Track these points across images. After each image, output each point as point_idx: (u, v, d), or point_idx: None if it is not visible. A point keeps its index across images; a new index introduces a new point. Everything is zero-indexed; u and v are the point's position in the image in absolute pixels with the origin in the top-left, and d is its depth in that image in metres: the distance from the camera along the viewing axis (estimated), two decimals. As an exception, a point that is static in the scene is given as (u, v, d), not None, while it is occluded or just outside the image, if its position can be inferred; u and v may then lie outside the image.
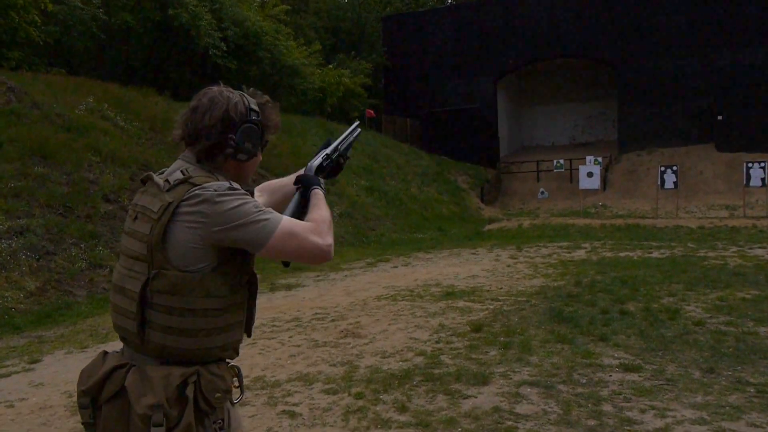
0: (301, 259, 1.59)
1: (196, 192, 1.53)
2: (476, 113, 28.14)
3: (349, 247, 13.73)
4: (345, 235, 14.53)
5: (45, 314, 7.35)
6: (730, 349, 5.04)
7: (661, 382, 4.31)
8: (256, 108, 1.69)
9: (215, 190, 1.53)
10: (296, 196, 1.83)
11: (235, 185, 1.58)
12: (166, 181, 1.59)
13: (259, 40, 21.69)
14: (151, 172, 1.67)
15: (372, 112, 27.69)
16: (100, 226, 9.55)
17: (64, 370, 5.15)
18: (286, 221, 1.57)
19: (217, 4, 20.51)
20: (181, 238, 1.51)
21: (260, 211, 1.55)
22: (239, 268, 1.60)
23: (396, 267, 11.18)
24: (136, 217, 1.62)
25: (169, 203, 1.53)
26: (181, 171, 1.61)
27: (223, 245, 1.54)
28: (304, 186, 1.83)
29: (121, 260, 1.65)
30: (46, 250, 8.44)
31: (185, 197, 1.53)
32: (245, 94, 1.70)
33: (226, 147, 1.63)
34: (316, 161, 1.95)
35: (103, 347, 5.71)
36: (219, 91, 1.67)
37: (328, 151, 1.99)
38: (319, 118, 23.61)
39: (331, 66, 27.22)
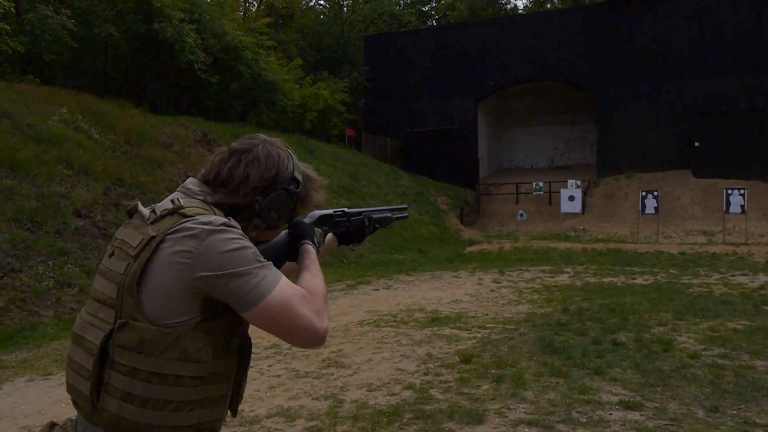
0: (289, 338, 1.26)
1: (185, 225, 1.23)
2: (456, 134, 28.15)
3: (329, 269, 13.40)
4: (325, 256, 14.20)
5: (7, 336, 6.91)
6: (731, 385, 4.85)
7: (665, 422, 4.08)
8: (299, 177, 1.44)
9: (208, 223, 1.23)
10: (284, 238, 1.53)
11: (233, 222, 1.29)
12: (153, 211, 1.30)
13: (239, 55, 21.45)
14: (138, 202, 1.37)
15: (352, 131, 27.50)
16: (70, 242, 9.12)
17: (23, 401, 4.76)
18: (284, 285, 1.25)
19: (197, 15, 20.22)
20: (160, 283, 1.21)
21: (260, 263, 1.25)
22: (229, 327, 1.28)
23: (377, 290, 10.89)
24: (112, 254, 1.32)
25: (152, 237, 1.23)
26: (172, 200, 1.31)
27: (210, 296, 1.22)
28: (295, 234, 1.53)
29: (87, 305, 1.34)
30: (11, 267, 8.00)
31: (171, 230, 1.23)
32: (293, 156, 1.45)
33: (250, 208, 1.38)
34: (325, 211, 1.67)
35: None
36: (269, 142, 1.42)
37: (347, 209, 1.73)
38: (298, 135, 23.36)
39: (308, 77, 26.96)
